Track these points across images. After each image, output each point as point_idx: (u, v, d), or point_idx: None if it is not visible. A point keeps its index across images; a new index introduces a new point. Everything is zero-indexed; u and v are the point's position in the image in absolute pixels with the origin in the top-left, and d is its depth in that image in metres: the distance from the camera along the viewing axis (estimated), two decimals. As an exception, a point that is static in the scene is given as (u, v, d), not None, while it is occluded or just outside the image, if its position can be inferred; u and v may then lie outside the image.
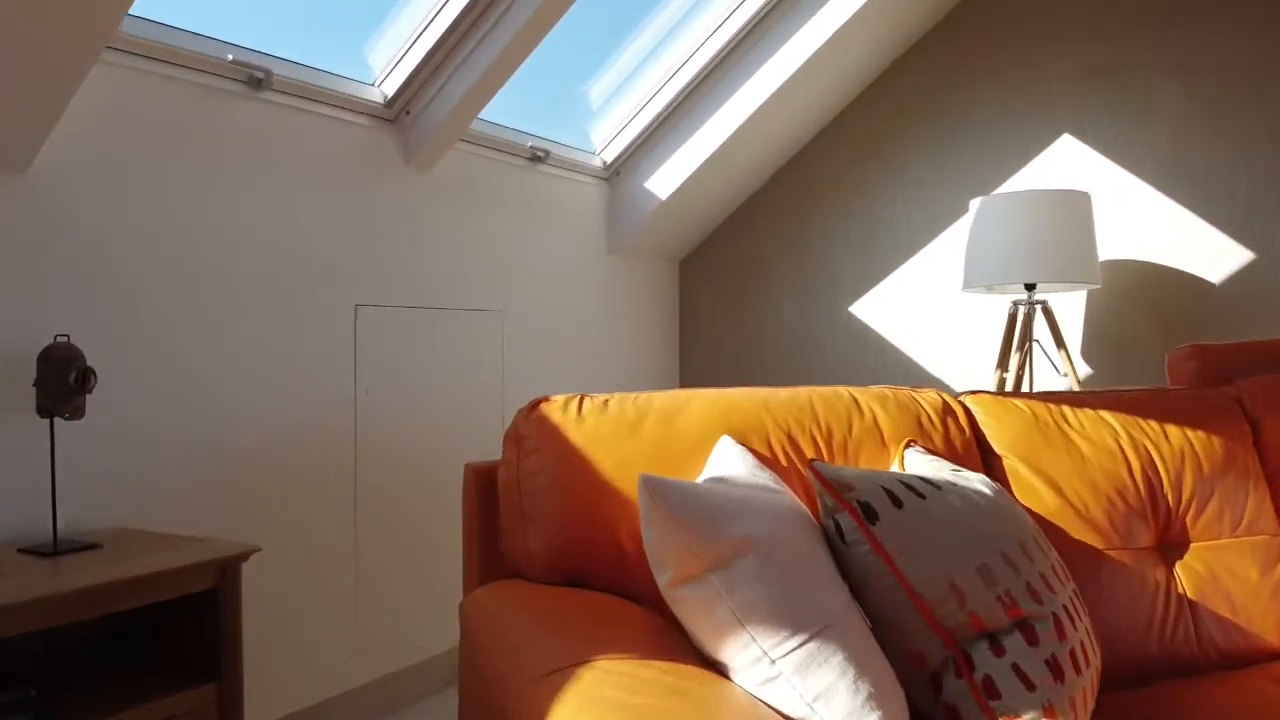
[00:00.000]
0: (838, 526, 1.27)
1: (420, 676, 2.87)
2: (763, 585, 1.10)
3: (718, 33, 3.42)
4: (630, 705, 0.98)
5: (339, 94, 2.58)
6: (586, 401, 1.57)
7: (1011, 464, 1.74)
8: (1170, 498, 1.82)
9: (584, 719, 0.96)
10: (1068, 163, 3.40)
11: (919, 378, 3.67)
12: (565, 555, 1.46)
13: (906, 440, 1.62)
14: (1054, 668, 1.24)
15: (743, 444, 1.52)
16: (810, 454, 1.55)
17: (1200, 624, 1.76)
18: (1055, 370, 3.34)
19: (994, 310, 3.53)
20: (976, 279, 3.01)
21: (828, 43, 3.30)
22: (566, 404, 1.56)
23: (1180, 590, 1.77)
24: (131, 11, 2.10)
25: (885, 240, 3.74)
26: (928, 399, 1.75)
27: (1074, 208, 2.92)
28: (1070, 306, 3.42)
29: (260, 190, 2.41)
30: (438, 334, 2.94)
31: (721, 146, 3.53)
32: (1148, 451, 1.84)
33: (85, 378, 1.84)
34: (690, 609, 1.13)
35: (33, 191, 1.95)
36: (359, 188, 2.68)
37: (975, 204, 3.04)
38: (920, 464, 1.51)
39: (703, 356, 4.15)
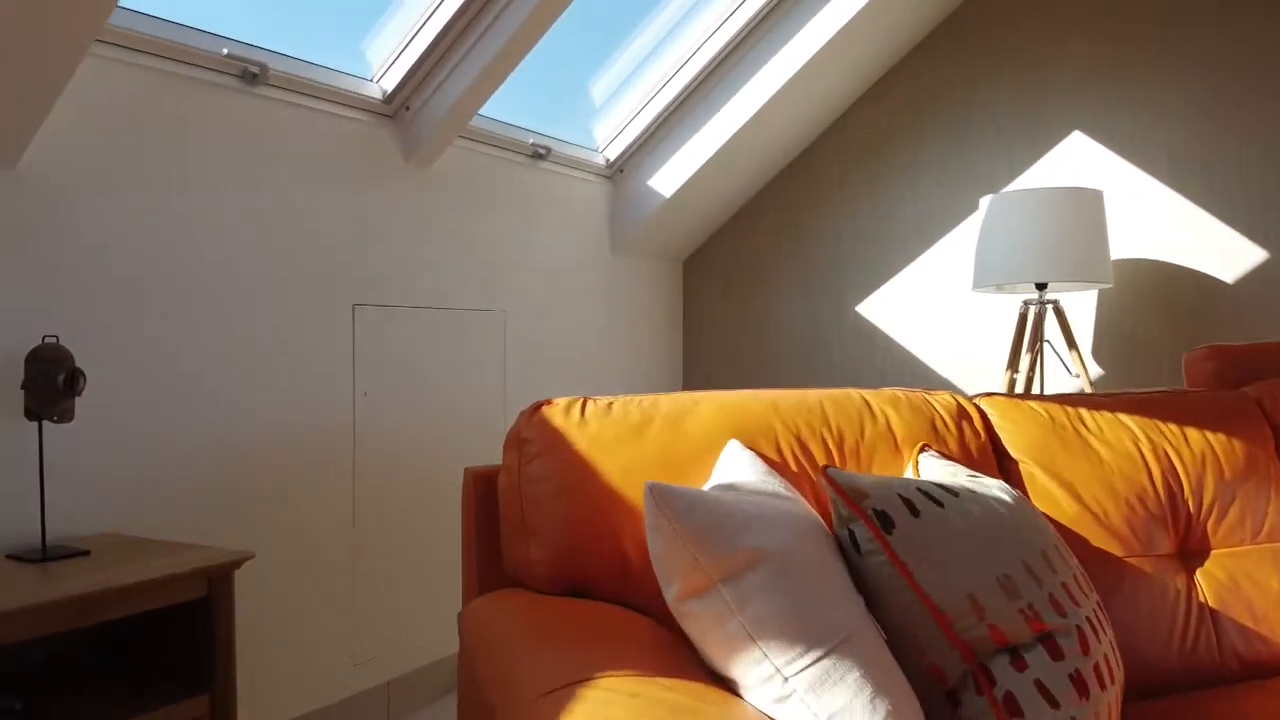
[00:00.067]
0: (852, 536, 1.21)
1: (420, 683, 2.82)
2: (775, 599, 1.05)
3: (722, 28, 3.37)
4: (636, 728, 0.92)
5: (337, 89, 2.53)
6: (590, 404, 1.51)
7: (1028, 468, 1.69)
8: (1191, 503, 1.77)
9: (588, 742, 0.91)
10: (1079, 160, 3.35)
11: (927, 378, 3.61)
12: (568, 564, 1.41)
13: (921, 444, 1.56)
14: (1078, 683, 1.19)
15: (751, 448, 1.47)
16: (821, 458, 1.50)
17: (1222, 633, 1.71)
18: (1067, 371, 3.29)
19: (1004, 310, 3.48)
20: (987, 278, 2.95)
21: (834, 38, 3.25)
22: (569, 407, 1.50)
23: (1201, 599, 1.72)
24: (122, 4, 2.05)
25: (893, 239, 3.68)
26: (941, 401, 1.70)
27: (1086, 206, 2.87)
28: (1081, 306, 3.37)
29: (256, 187, 2.36)
30: (438, 334, 2.89)
31: (726, 144, 3.48)
32: (1168, 456, 1.79)
33: (74, 379, 1.79)
34: (699, 624, 1.08)
35: (21, 188, 1.90)
36: (357, 185, 2.63)
37: (985, 202, 2.99)
38: (936, 469, 1.46)
39: (707, 357, 4.09)
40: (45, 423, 1.92)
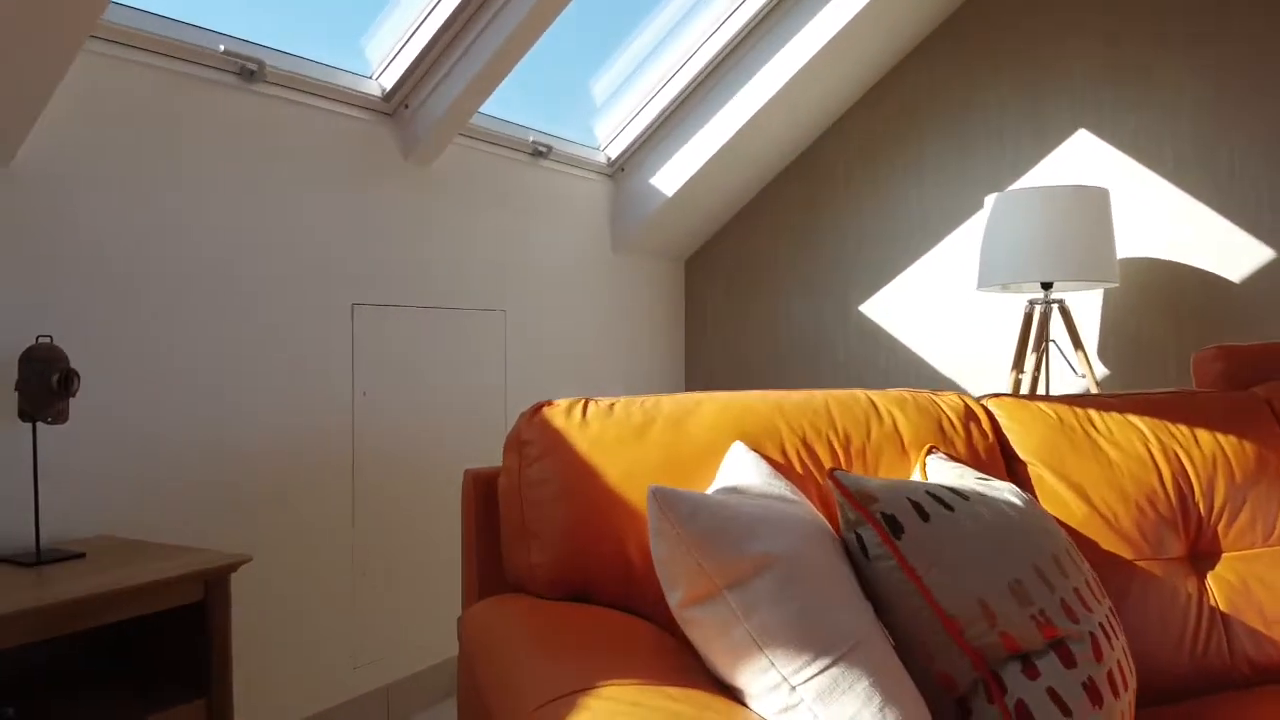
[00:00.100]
0: (860, 540, 1.19)
1: (420, 686, 2.80)
2: (782, 606, 1.02)
3: (725, 25, 3.35)
4: (640, 739, 0.90)
5: (335, 86, 2.50)
6: (591, 405, 1.49)
7: (1037, 471, 1.66)
8: (1201, 506, 1.74)
9: (590, 755, 0.88)
10: (1084, 158, 3.32)
11: (932, 379, 3.59)
12: (569, 568, 1.38)
13: (928, 446, 1.54)
14: (1091, 691, 1.16)
15: (756, 450, 1.45)
16: (827, 460, 1.47)
17: (1233, 637, 1.68)
18: (1072, 371, 3.26)
19: (1009, 309, 3.45)
20: (992, 277, 2.93)
21: (838, 35, 3.23)
22: (570, 408, 1.48)
23: (1212, 602, 1.69)
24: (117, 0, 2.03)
25: (897, 237, 3.66)
26: (948, 402, 1.67)
27: (1092, 204, 2.84)
28: (1086, 305, 3.34)
29: (253, 185, 2.33)
30: (437, 334, 2.86)
31: (729, 142, 3.46)
32: (1178, 457, 1.76)
33: (68, 380, 1.76)
34: (703, 631, 1.05)
35: (16, 186, 1.88)
36: (356, 183, 2.60)
37: (991, 200, 2.96)
38: (944, 472, 1.43)
39: (709, 357, 4.07)
40: (39, 424, 1.89)
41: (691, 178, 3.52)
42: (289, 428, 2.42)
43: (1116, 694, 1.19)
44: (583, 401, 1.49)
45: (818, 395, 1.59)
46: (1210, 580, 1.71)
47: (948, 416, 1.63)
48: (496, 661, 1.21)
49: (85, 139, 1.99)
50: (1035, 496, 1.66)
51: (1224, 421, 1.85)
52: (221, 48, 2.21)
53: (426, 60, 2.63)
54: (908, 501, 1.19)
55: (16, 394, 1.79)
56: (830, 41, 3.24)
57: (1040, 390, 3.10)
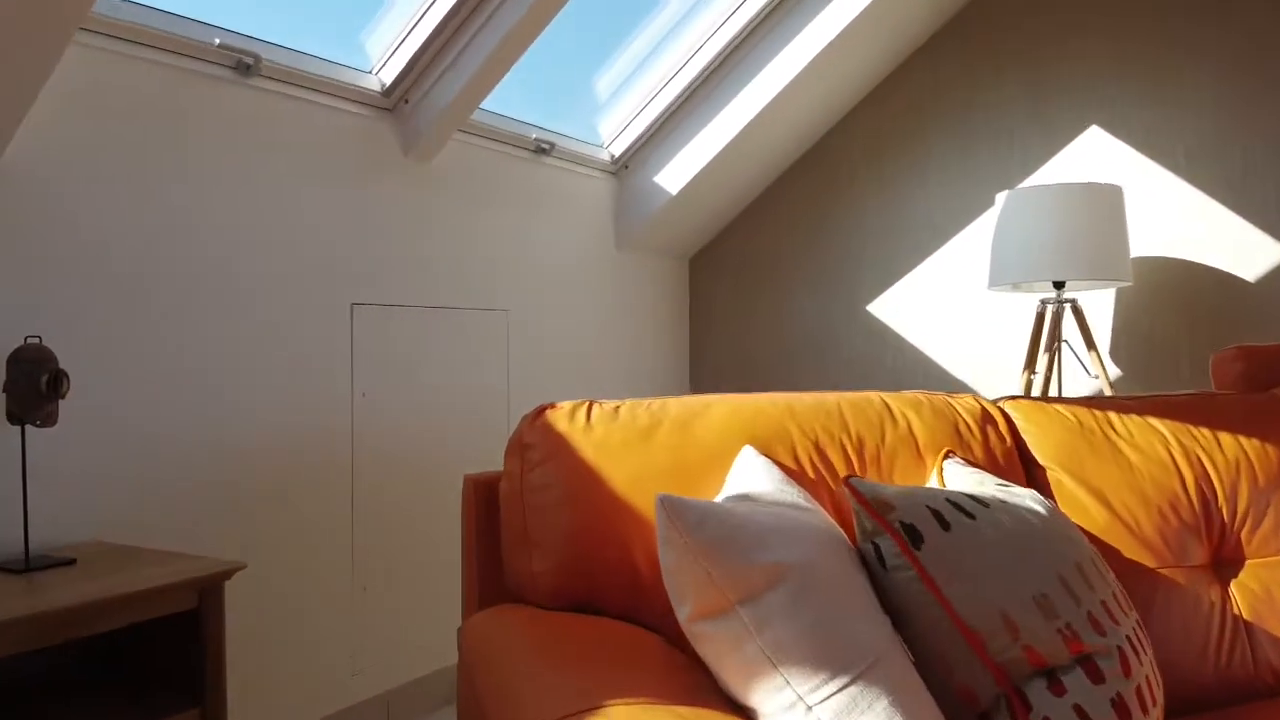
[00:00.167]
0: (877, 550, 1.13)
1: (421, 693, 2.75)
2: (797, 620, 0.97)
3: (730, 21, 3.30)
4: (649, 764, 0.85)
5: (334, 81, 2.45)
6: (596, 408, 1.44)
7: (1056, 475, 1.61)
8: (1224, 511, 1.69)
9: (595, 781, 0.83)
10: (1096, 155, 3.27)
11: (940, 379, 3.53)
12: (573, 577, 1.33)
13: (945, 450, 1.48)
14: (1120, 708, 1.11)
15: (767, 455, 1.39)
16: (840, 465, 1.42)
17: (1256, 646, 1.63)
18: (1085, 372, 3.21)
19: (1020, 309, 3.39)
20: (1003, 276, 2.87)
21: (845, 30, 3.17)
22: (574, 411, 1.43)
23: (1235, 611, 1.64)
24: (110, -9, 1.98)
25: (906, 236, 3.60)
26: (964, 405, 1.62)
27: (1105, 202, 2.78)
28: (1098, 305, 3.29)
29: (250, 182, 2.28)
30: (438, 334, 2.81)
31: (734, 139, 3.40)
32: (1200, 461, 1.71)
33: (58, 381, 1.72)
34: (714, 647, 1.00)
35: (4, 182, 1.83)
36: (355, 180, 2.55)
37: (1001, 198, 2.90)
38: (962, 478, 1.38)
39: (714, 356, 4.02)
40: (27, 427, 1.84)
41: (696, 175, 3.47)
42: (287, 430, 2.37)
43: (1145, 710, 1.14)
44: (587, 404, 1.44)
45: (830, 397, 1.54)
46: (1233, 588, 1.66)
47: (964, 419, 1.58)
48: (497, 676, 1.16)
49: (76, 135, 1.94)
50: (1054, 502, 1.61)
51: (1246, 424, 1.80)
52: (217, 41, 2.17)
53: (427, 55, 2.58)
54: (927, 510, 1.14)
55: (4, 396, 1.74)
56: (837, 37, 3.19)
57: (1052, 391, 3.05)
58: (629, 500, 1.35)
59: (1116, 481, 1.63)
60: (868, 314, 3.68)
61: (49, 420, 1.73)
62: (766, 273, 3.89)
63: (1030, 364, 2.95)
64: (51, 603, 1.51)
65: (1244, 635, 1.63)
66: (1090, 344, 2.90)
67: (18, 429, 1.83)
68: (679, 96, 3.43)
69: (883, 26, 3.29)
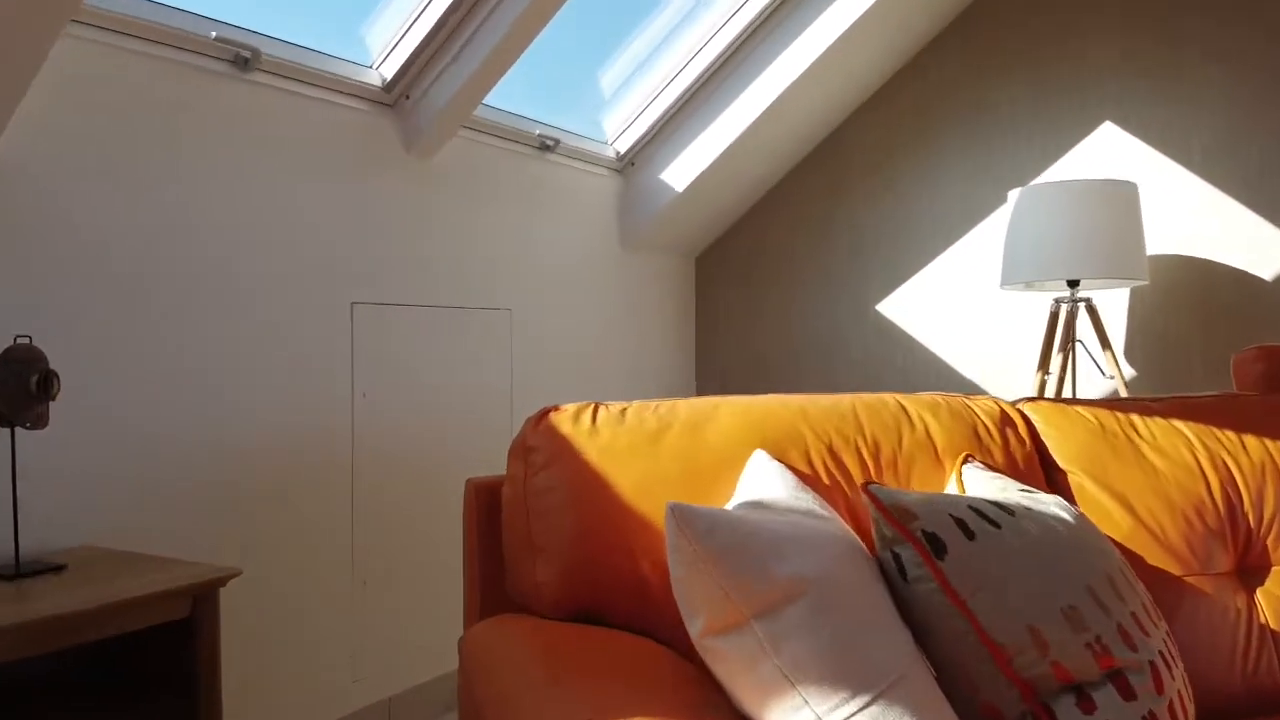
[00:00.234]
0: (897, 560, 1.08)
1: (423, 699, 2.70)
2: (816, 637, 0.92)
3: (737, 15, 3.24)
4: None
5: (333, 76, 2.40)
6: (601, 410, 1.39)
7: (1077, 480, 1.56)
8: (1251, 517, 1.63)
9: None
10: (1109, 152, 3.21)
11: (951, 379, 3.48)
12: (578, 585, 1.28)
13: (964, 454, 1.43)
14: (1152, 727, 1.06)
15: (780, 459, 1.34)
16: (856, 470, 1.37)
17: (1284, 656, 1.58)
18: (1100, 372, 3.15)
19: (1034, 308, 3.34)
20: (1015, 275, 2.82)
21: (855, 25, 3.12)
22: (579, 414, 1.38)
23: (1262, 619, 1.59)
24: (103, -18, 1.93)
25: (916, 234, 3.54)
26: (983, 407, 1.57)
27: (1120, 199, 2.73)
28: (1111, 303, 3.23)
29: (248, 179, 2.23)
30: (440, 333, 2.76)
31: (741, 136, 3.35)
32: (1225, 465, 1.66)
33: (48, 382, 1.66)
34: (728, 664, 0.95)
35: (-7, 178, 1.78)
36: (355, 176, 2.50)
37: (1014, 195, 2.85)
38: (983, 483, 1.32)
39: (720, 357, 3.96)
40: (17, 429, 1.79)
41: (702, 173, 3.42)
42: (286, 431, 2.32)
43: (1178, 728, 1.09)
44: (592, 406, 1.39)
45: (844, 399, 1.48)
46: (1260, 596, 1.60)
47: (983, 422, 1.53)
48: (498, 690, 1.12)
49: (69, 131, 1.90)
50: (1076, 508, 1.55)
51: (1271, 426, 1.74)
52: (213, 34, 2.12)
53: (429, 49, 2.53)
54: (950, 518, 1.09)
55: (-7, 397, 1.69)
56: (846, 32, 3.13)
57: (1066, 392, 3.00)
58: (636, 506, 1.30)
59: (1140, 486, 1.57)
60: (877, 313, 3.62)
61: (39, 422, 1.68)
62: (773, 272, 3.84)
63: (1044, 364, 2.90)
64: (40, 611, 1.46)
65: (1271, 644, 1.57)
66: (1105, 344, 2.84)
67: (7, 432, 1.78)
68: (685, 92, 3.38)
69: (891, 23, 3.24)
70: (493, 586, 1.43)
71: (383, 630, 2.59)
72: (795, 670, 0.91)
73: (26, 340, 1.72)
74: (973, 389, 3.45)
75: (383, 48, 2.53)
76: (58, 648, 1.51)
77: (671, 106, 3.40)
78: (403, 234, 2.64)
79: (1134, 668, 1.08)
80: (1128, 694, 1.06)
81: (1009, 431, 1.54)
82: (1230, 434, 1.71)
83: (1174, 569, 1.54)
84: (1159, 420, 1.69)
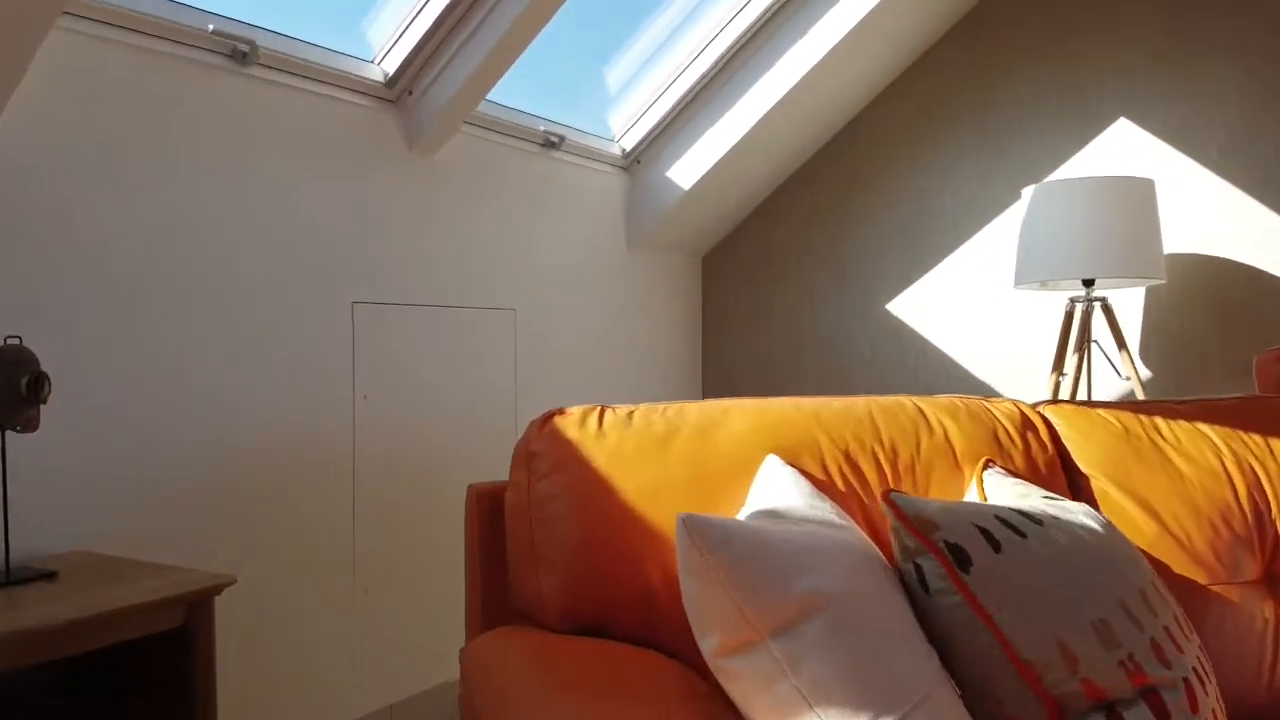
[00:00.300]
0: (919, 572, 1.03)
1: (426, 706, 2.65)
2: (836, 656, 0.87)
3: (744, 11, 3.19)
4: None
5: (334, 70, 2.36)
6: (608, 414, 1.34)
7: (1101, 485, 1.50)
8: (1279, 523, 1.58)
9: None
10: (1125, 149, 3.15)
11: (963, 380, 3.42)
12: (583, 596, 1.23)
13: (984, 460, 1.38)
14: (1188, 748, 1.00)
15: (793, 464, 1.29)
16: (873, 476, 1.32)
17: (1313, 667, 1.52)
18: (1116, 373, 3.09)
19: (1047, 308, 3.28)
20: (1030, 274, 2.76)
21: (865, 19, 3.07)
22: (585, 417, 1.33)
23: (1289, 629, 1.53)
24: (97, -26, 1.88)
25: (927, 232, 3.49)
26: (1003, 410, 1.52)
27: (1137, 196, 2.67)
28: (1127, 303, 3.17)
29: (246, 176, 2.19)
30: (443, 334, 2.71)
31: (748, 134, 3.30)
32: (1253, 469, 1.60)
33: (39, 384, 1.62)
34: (742, 685, 0.90)
35: (-17, 174, 1.74)
36: (356, 173, 2.46)
37: (1028, 192, 2.79)
38: (1005, 490, 1.27)
39: (727, 357, 3.91)
40: (7, 433, 1.75)
41: (709, 171, 3.37)
42: (286, 433, 2.28)
43: (1214, 749, 1.04)
44: (598, 409, 1.34)
45: (859, 402, 1.43)
46: (1287, 605, 1.55)
47: (1003, 426, 1.47)
48: (501, 707, 1.07)
49: (61, 124, 1.85)
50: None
51: (1298, 429, 1.69)
52: (210, 27, 2.07)
53: (431, 44, 2.48)
54: (975, 528, 1.03)
55: (-17, 399, 1.64)
56: (856, 26, 3.08)
57: (1082, 394, 2.94)
58: (644, 514, 1.25)
59: (1165, 492, 1.52)
60: (887, 313, 3.56)
61: (29, 425, 1.63)
62: (781, 271, 3.78)
63: (1059, 365, 2.84)
64: (31, 621, 1.42)
65: (1298, 655, 1.52)
66: (1121, 344, 2.79)
67: (-3, 434, 1.73)
68: (692, 89, 3.32)
69: (902, 20, 3.18)
70: (495, 595, 1.39)
71: (384, 635, 2.54)
72: (814, 691, 0.86)
73: (17, 341, 1.67)
74: (986, 390, 3.40)
75: (384, 42, 2.48)
76: (48, 659, 1.46)
77: (678, 103, 3.35)
78: (405, 232, 2.60)
79: (1168, 685, 1.03)
80: (1161, 713, 1.01)
81: (1030, 435, 1.49)
82: (1256, 437, 1.66)
83: (1200, 578, 1.49)
84: (1183, 423, 1.63)
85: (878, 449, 1.35)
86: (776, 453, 1.30)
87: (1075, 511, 1.16)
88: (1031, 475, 1.44)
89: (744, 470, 1.29)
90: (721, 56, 3.27)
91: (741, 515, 1.16)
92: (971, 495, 1.32)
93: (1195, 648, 1.12)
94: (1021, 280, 2.79)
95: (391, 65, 2.49)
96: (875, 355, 3.59)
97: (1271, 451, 1.64)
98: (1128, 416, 1.60)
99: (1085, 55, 3.21)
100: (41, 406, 1.74)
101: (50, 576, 1.65)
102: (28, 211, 1.80)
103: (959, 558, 1.01)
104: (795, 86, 3.21)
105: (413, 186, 2.62)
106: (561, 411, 1.33)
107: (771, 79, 3.24)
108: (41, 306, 1.83)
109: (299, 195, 2.31)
